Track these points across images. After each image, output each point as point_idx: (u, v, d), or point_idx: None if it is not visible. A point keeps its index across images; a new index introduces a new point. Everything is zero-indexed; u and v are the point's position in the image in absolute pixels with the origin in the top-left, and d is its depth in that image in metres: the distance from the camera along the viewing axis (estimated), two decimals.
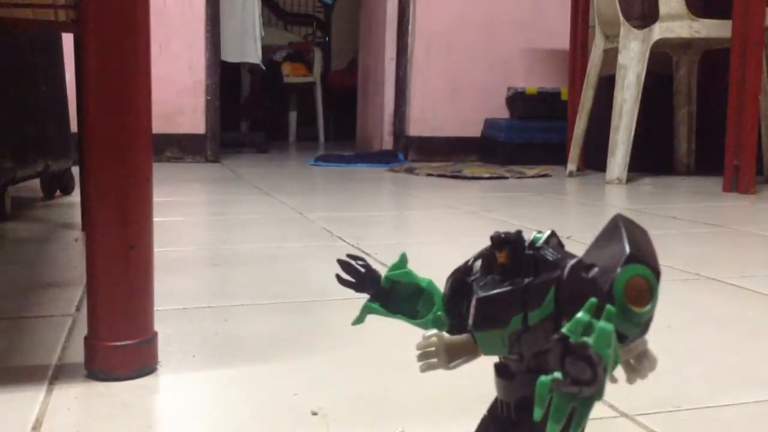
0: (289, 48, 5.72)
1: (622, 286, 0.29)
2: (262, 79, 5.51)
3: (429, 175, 2.97)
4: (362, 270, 0.40)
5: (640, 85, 2.69)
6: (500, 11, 3.81)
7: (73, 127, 1.86)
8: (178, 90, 3.43)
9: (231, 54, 4.09)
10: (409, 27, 3.77)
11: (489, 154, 3.70)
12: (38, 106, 1.76)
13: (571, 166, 3.02)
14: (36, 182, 2.12)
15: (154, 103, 0.71)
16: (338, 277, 0.40)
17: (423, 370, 0.38)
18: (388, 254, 1.26)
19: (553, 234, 0.34)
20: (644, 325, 0.30)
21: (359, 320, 0.41)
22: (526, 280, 0.31)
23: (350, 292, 0.41)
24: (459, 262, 0.37)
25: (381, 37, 3.96)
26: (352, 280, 0.40)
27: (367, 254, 1.26)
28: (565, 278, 0.30)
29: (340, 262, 0.40)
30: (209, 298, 0.97)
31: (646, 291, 0.29)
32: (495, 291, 0.32)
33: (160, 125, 3.35)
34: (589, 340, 0.27)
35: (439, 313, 0.38)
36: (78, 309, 0.91)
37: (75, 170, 2.06)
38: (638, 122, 2.70)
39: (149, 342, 0.68)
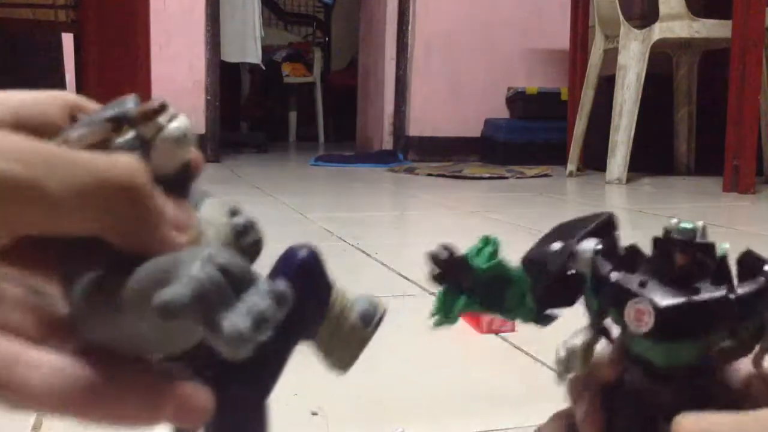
0: (289, 48, 5.72)
1: None
2: (262, 79, 5.51)
3: (429, 175, 2.97)
4: (451, 258, 0.34)
5: (640, 85, 2.69)
6: (500, 12, 3.81)
7: None
8: (178, 90, 3.43)
9: (231, 54, 4.09)
10: (409, 27, 3.77)
11: (489, 154, 3.70)
12: None
13: (571, 166, 3.02)
14: None
15: None
16: (432, 275, 0.33)
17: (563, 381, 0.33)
18: (388, 254, 1.26)
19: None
20: None
21: (453, 320, 0.34)
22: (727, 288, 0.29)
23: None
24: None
25: (381, 37, 3.96)
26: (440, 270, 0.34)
27: (367, 254, 1.26)
28: None
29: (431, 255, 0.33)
30: None
31: None
32: (706, 296, 0.29)
33: None
34: None
35: (529, 306, 0.34)
36: None
37: None
38: (638, 122, 2.70)
39: None
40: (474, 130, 3.82)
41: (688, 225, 0.30)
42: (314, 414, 0.58)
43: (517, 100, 3.72)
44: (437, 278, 0.33)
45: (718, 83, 2.73)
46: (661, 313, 0.28)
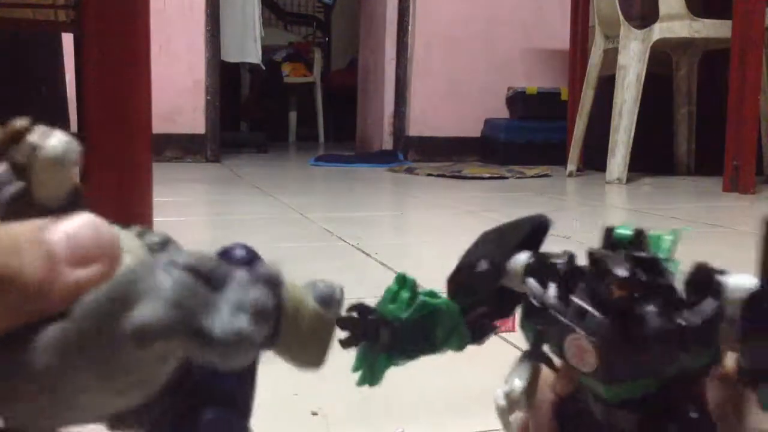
0: (289, 48, 5.72)
1: None
2: (262, 79, 5.51)
3: (429, 175, 2.97)
4: (363, 319, 0.29)
5: (640, 85, 2.69)
6: (500, 11, 3.81)
7: (74, 127, 1.86)
8: (177, 90, 3.43)
9: (231, 54, 4.09)
10: (409, 27, 3.77)
11: (489, 154, 3.70)
12: (38, 107, 1.76)
13: (571, 166, 3.02)
14: None
15: (154, 103, 0.71)
16: (341, 341, 0.30)
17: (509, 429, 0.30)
18: (388, 254, 1.26)
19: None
20: None
21: (377, 381, 0.31)
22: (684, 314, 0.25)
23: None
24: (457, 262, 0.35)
25: (381, 37, 3.96)
26: (355, 334, 0.30)
27: (367, 254, 1.26)
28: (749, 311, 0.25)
29: (340, 321, 0.29)
30: None
31: None
32: (653, 330, 0.24)
33: (160, 125, 3.35)
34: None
35: (463, 335, 0.31)
36: None
37: None
38: (638, 122, 2.70)
39: None
40: (474, 130, 3.82)
41: (626, 231, 0.27)
42: (314, 414, 0.58)
43: (517, 100, 3.72)
44: (347, 344, 0.29)
45: (718, 83, 2.73)
46: (603, 352, 0.24)
